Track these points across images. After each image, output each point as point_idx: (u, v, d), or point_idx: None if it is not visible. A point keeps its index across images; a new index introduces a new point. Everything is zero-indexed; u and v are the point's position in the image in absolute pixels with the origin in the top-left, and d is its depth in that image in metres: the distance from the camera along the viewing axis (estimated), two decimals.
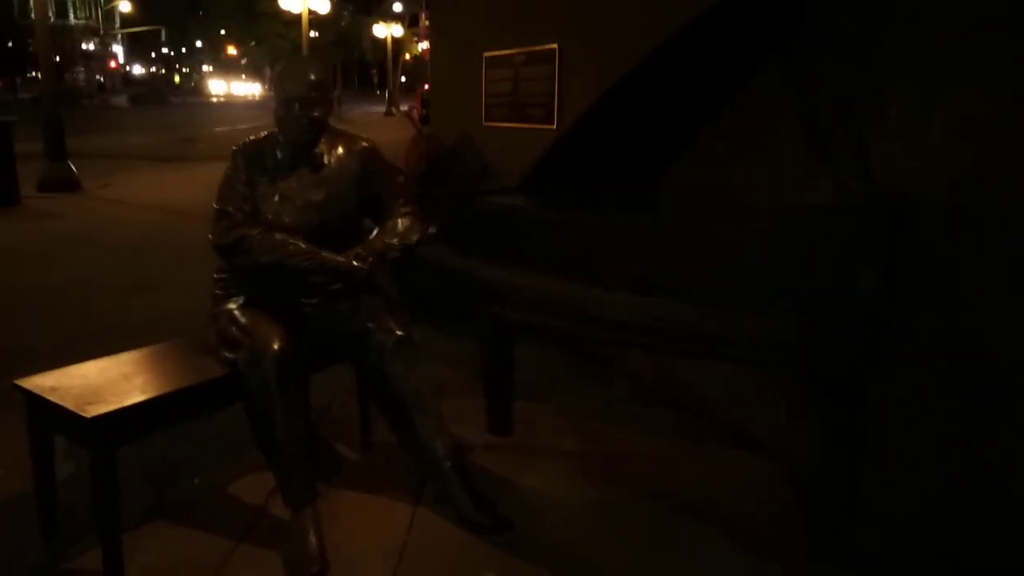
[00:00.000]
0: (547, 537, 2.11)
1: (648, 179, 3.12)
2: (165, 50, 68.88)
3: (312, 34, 23.78)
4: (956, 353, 1.90)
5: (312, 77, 2.14)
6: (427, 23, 20.05)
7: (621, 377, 3.22)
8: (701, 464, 2.53)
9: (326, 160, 2.23)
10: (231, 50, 49.76)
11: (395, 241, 2.24)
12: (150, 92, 48.09)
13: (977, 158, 1.86)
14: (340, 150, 2.26)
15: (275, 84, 2.24)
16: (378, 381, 2.20)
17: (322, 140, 2.22)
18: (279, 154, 2.21)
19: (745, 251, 2.03)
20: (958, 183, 1.89)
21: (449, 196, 3.26)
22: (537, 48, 3.32)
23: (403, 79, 36.71)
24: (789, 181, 2.50)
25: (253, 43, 40.05)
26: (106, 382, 1.98)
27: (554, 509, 2.25)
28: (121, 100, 40.22)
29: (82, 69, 41.77)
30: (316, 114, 2.15)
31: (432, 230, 2.45)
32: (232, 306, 2.17)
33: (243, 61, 49.98)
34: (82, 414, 1.79)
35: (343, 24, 35.24)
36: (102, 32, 44.69)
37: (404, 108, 21.57)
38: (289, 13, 22.23)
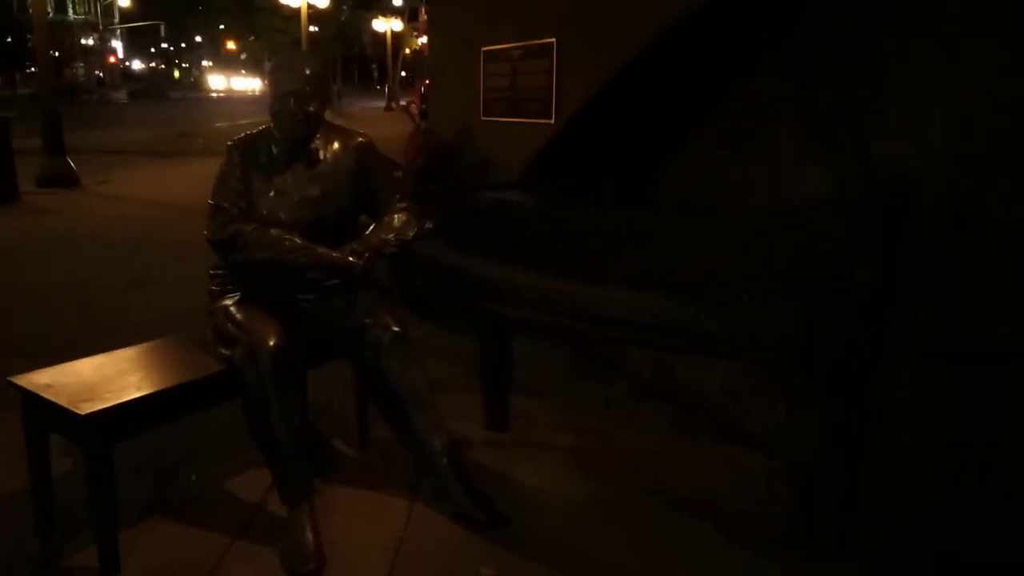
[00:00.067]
0: (544, 532, 2.10)
1: (646, 173, 3.11)
2: (164, 45, 68.72)
3: (311, 29, 23.73)
4: (956, 353, 1.89)
5: (307, 71, 2.13)
6: (426, 17, 20.00)
7: (619, 374, 3.21)
8: (698, 460, 2.53)
9: (322, 155, 2.21)
10: (230, 45, 49.65)
11: (391, 237, 2.23)
12: (149, 87, 48.06)
13: (977, 158, 1.85)
14: (336, 145, 2.24)
15: (270, 78, 2.21)
16: (374, 377, 2.20)
17: (318, 135, 2.21)
18: (275, 149, 2.20)
19: (743, 248, 2.02)
20: (958, 183, 1.88)
21: (445, 191, 3.25)
22: (535, 42, 3.31)
23: (403, 74, 36.65)
24: (789, 181, 2.49)
25: (252, 38, 39.96)
26: (101, 379, 1.97)
27: (551, 505, 2.25)
28: (120, 95, 40.21)
29: (81, 64, 41.74)
30: (311, 109, 2.13)
31: (429, 226, 2.44)
32: (228, 302, 2.17)
33: (243, 56, 49.87)
34: (76, 411, 1.78)
35: (342, 19, 35.17)
36: (101, 27, 44.62)
37: (403, 103, 21.52)
38: (288, 7, 22.21)
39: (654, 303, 2.01)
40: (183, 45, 69.78)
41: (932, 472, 1.97)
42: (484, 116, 3.76)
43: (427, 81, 9.96)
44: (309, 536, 1.96)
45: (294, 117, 2.12)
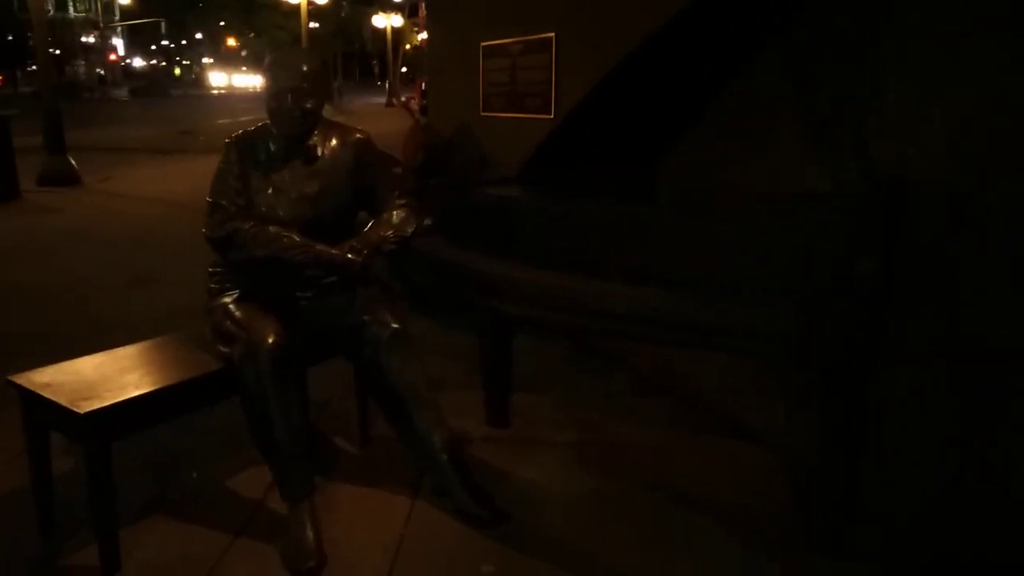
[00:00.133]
0: (545, 529, 2.11)
1: (646, 167, 3.10)
2: (165, 42, 68.69)
3: (312, 25, 23.67)
4: (956, 353, 1.89)
5: (304, 68, 2.11)
6: (426, 13, 19.95)
7: (620, 369, 3.21)
8: (697, 454, 2.53)
9: (320, 152, 2.21)
10: (231, 42, 49.62)
11: (390, 233, 2.22)
12: (151, 85, 48.08)
13: (976, 158, 1.84)
14: (334, 142, 2.24)
15: (267, 75, 2.16)
16: (374, 374, 2.20)
17: (316, 132, 2.20)
18: (272, 147, 2.19)
19: (743, 241, 2.01)
20: (957, 183, 1.88)
21: (445, 187, 3.25)
22: (534, 37, 3.30)
23: (404, 70, 36.60)
24: (788, 181, 2.48)
25: (253, 35, 39.92)
26: (100, 377, 1.97)
27: (552, 501, 2.25)
28: (121, 93, 40.22)
29: (82, 62, 41.76)
30: (309, 106, 2.12)
31: (427, 222, 2.44)
32: (227, 300, 2.17)
33: (243, 53, 49.82)
34: (75, 410, 1.79)
35: (342, 14, 35.10)
36: (102, 25, 44.64)
37: (403, 99, 21.50)
38: (288, 4, 22.19)
39: (652, 296, 2.01)
40: (184, 42, 69.74)
41: (931, 472, 1.96)
42: (483, 111, 3.75)
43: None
44: (310, 534, 1.96)
45: (291, 114, 2.12)
